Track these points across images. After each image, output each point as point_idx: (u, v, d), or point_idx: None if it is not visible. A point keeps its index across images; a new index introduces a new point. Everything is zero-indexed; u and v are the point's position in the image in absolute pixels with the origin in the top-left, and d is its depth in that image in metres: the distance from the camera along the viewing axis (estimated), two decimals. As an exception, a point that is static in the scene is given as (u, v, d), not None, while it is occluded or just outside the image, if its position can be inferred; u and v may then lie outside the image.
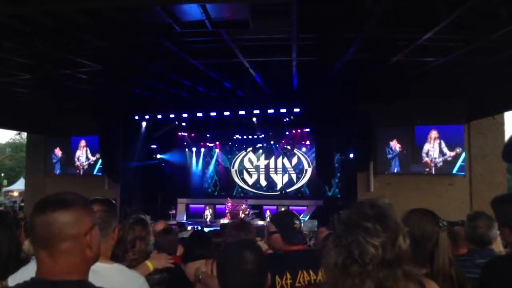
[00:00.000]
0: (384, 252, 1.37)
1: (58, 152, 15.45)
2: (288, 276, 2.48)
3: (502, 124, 12.16)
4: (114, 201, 2.49)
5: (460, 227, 3.76)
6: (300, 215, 16.41)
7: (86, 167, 15.19)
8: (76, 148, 15.30)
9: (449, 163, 12.11)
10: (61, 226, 1.29)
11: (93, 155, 15.02)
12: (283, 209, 14.77)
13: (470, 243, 3.05)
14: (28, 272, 1.77)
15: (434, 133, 12.27)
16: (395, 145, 12.56)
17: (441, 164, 12.20)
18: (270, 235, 2.81)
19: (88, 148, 15.12)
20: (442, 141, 12.15)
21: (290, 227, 2.69)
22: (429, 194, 11.96)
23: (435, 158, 12.21)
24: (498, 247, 3.34)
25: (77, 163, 15.24)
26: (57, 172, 15.47)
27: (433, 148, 12.23)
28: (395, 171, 12.59)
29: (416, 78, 9.71)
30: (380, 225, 1.40)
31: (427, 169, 12.33)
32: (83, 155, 15.20)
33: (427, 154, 12.28)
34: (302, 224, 2.83)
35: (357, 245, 1.39)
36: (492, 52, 7.70)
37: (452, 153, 12.03)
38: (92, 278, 1.39)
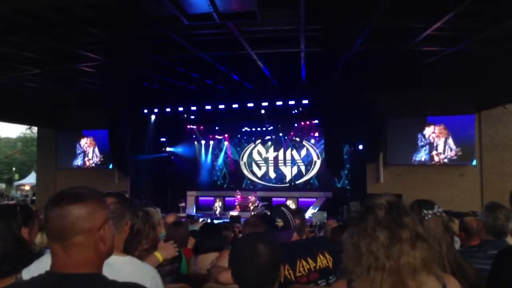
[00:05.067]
0: (392, 209, 1.52)
1: (84, 143, 15.55)
2: (287, 267, 2.48)
3: (513, 113, 12.03)
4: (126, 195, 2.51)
5: (471, 218, 3.73)
6: (309, 206, 16.46)
7: (93, 165, 15.39)
8: (86, 144, 15.47)
9: (456, 160, 12.10)
10: (74, 219, 1.31)
11: (100, 152, 15.16)
12: (288, 202, 14.82)
13: (488, 234, 3.02)
14: (42, 265, 1.79)
15: (439, 129, 12.20)
16: (430, 134, 12.33)
17: (446, 161, 12.17)
18: None
19: (96, 146, 15.27)
20: (450, 137, 12.06)
21: (272, 226, 2.61)
22: (439, 185, 11.91)
23: (440, 154, 12.15)
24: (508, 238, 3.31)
25: (85, 158, 15.40)
26: (80, 163, 15.55)
27: (440, 143, 12.17)
28: (423, 159, 12.40)
29: (426, 68, 9.62)
30: (385, 195, 1.60)
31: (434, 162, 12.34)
32: (90, 152, 15.36)
33: (436, 148, 12.23)
34: (290, 220, 2.61)
35: (366, 207, 1.58)
36: (502, 41, 7.61)
37: (458, 149, 11.98)
38: (105, 271, 1.40)
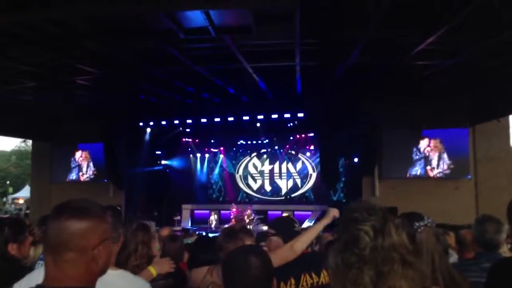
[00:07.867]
0: (376, 236, 1.40)
1: (79, 157, 15.43)
2: (292, 281, 2.48)
3: (507, 127, 12.10)
4: (119, 208, 2.50)
5: (466, 231, 3.74)
6: (305, 220, 16.39)
7: (87, 179, 15.28)
8: (80, 157, 15.39)
9: (451, 174, 12.15)
10: (70, 235, 1.28)
11: (95, 165, 15.07)
12: (284, 214, 14.77)
13: (479, 247, 3.03)
14: (33, 279, 1.77)
15: (434, 142, 12.24)
16: (425, 147, 12.34)
17: (440, 175, 12.21)
18: (269, 239, 2.80)
19: (91, 160, 15.19)
20: (444, 151, 12.11)
21: (291, 230, 2.72)
22: (434, 198, 11.90)
23: (434, 168, 12.20)
24: (503, 250, 3.31)
25: (80, 172, 15.33)
26: (74, 177, 15.40)
27: (435, 157, 12.21)
28: (418, 173, 12.39)
29: (421, 81, 9.70)
30: (366, 212, 1.46)
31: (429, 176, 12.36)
32: (85, 165, 15.29)
33: (430, 163, 12.28)
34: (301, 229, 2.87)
35: (350, 236, 1.44)
36: (496, 54, 7.69)
37: (452, 165, 12.05)
38: (97, 285, 1.39)
